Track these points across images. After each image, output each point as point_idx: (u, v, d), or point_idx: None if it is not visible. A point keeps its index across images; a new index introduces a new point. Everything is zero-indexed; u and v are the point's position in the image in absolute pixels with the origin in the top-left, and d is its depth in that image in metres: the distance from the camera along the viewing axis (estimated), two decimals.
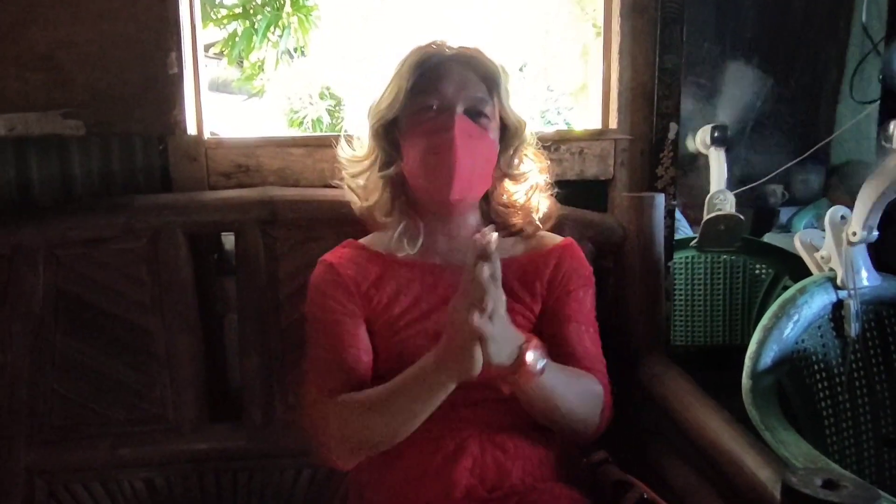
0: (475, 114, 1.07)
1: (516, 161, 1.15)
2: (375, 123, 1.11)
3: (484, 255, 0.85)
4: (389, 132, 1.12)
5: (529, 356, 0.92)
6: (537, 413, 1.02)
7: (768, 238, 2.28)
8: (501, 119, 1.11)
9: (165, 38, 1.29)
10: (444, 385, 0.93)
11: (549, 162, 1.19)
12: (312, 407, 1.07)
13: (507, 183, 1.16)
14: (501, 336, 0.88)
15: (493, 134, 1.10)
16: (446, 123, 1.04)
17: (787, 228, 2.78)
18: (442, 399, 0.94)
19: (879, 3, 2.03)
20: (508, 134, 1.13)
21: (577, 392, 1.05)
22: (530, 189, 1.16)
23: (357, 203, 1.17)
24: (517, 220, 1.15)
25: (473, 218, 1.15)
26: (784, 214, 2.84)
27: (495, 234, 0.86)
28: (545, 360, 0.94)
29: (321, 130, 4.69)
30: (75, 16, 1.27)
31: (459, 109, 1.06)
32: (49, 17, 1.27)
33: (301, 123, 4.46)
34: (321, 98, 3.98)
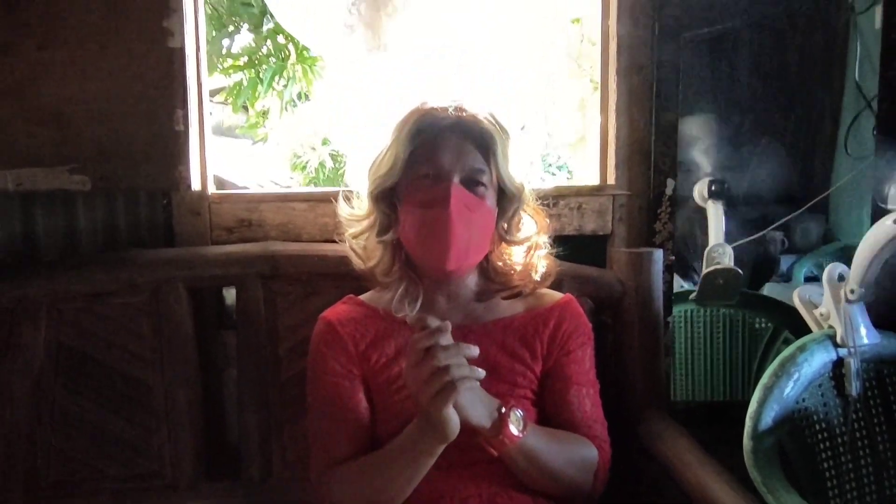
0: (472, 183, 1.08)
1: (514, 224, 1.16)
2: (374, 189, 1.12)
3: (420, 324, 0.91)
4: (388, 196, 1.13)
5: (511, 418, 0.96)
6: (524, 476, 1.03)
7: (768, 288, 2.28)
8: (499, 183, 1.11)
9: (172, 96, 1.32)
10: (429, 449, 0.96)
11: (548, 220, 1.20)
12: (318, 478, 1.09)
13: (506, 245, 1.16)
14: (472, 398, 0.93)
15: (491, 201, 1.11)
16: (443, 195, 1.05)
17: (787, 277, 2.79)
18: (431, 462, 0.98)
19: (872, 60, 2.08)
20: (506, 198, 1.13)
21: (564, 455, 1.05)
22: (529, 250, 1.17)
23: (358, 264, 1.18)
24: (516, 280, 1.16)
25: (472, 278, 1.16)
26: (784, 263, 2.85)
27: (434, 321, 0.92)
28: (525, 423, 0.98)
29: (324, 175, 4.74)
30: (84, 73, 1.31)
31: (456, 179, 1.07)
32: (59, 75, 1.31)
33: (304, 168, 4.51)
34: (324, 144, 4.04)
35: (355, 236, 1.18)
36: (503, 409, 0.97)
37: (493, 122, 1.11)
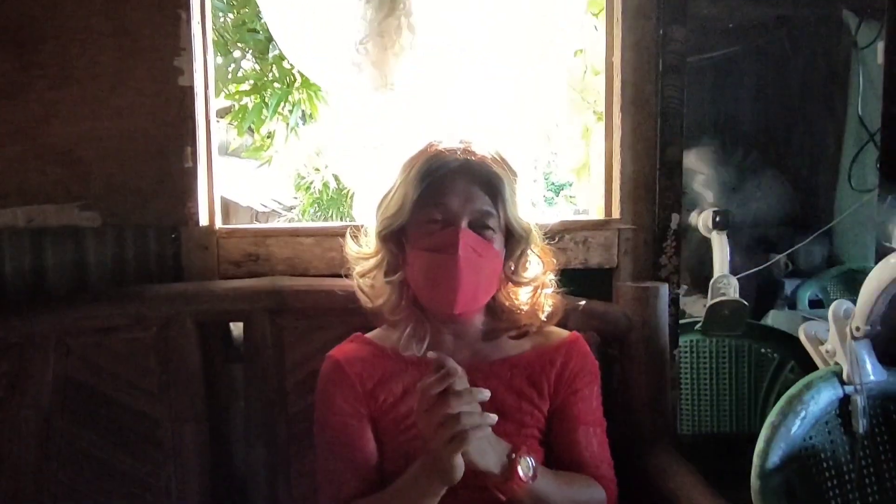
0: (480, 226, 1.08)
1: (521, 264, 1.16)
2: (382, 230, 1.12)
3: (438, 363, 0.92)
4: (396, 236, 1.13)
5: (520, 462, 0.96)
6: None
7: (773, 315, 2.29)
8: (507, 225, 1.12)
9: (182, 133, 1.34)
10: (433, 491, 0.96)
11: (554, 260, 1.20)
12: None
13: (513, 285, 1.17)
14: (481, 445, 0.93)
15: (498, 244, 1.11)
16: (451, 241, 1.06)
17: (791, 301, 2.79)
18: (434, 502, 0.98)
19: (875, 94, 2.09)
20: (514, 239, 1.13)
21: (572, 499, 1.05)
22: (536, 289, 1.17)
23: (366, 303, 1.18)
24: (523, 320, 1.16)
25: (479, 318, 1.17)
26: (788, 286, 2.86)
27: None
28: (535, 467, 0.98)
29: (328, 195, 4.76)
30: (95, 112, 1.32)
31: (464, 223, 1.07)
32: (71, 113, 1.32)
33: (308, 188, 4.53)
34: (327, 166, 4.05)
35: (362, 275, 1.18)
36: (513, 455, 0.97)
37: (502, 163, 1.11)
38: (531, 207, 1.15)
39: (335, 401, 1.10)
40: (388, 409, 1.09)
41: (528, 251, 1.16)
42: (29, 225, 1.32)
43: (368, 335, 1.18)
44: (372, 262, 1.16)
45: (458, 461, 0.91)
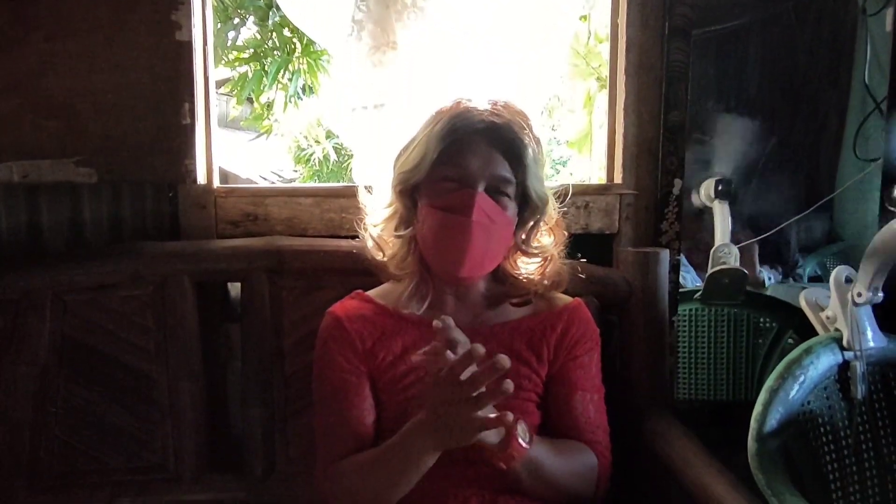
0: (496, 192, 1.06)
1: (533, 235, 1.14)
2: (398, 185, 1.10)
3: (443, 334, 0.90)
4: (410, 191, 1.11)
5: (518, 431, 0.94)
6: (527, 488, 1.02)
7: (772, 288, 2.29)
8: (524, 194, 1.09)
9: (179, 89, 1.32)
10: (432, 451, 0.95)
11: (566, 233, 1.18)
12: (322, 472, 1.08)
13: (521, 255, 1.15)
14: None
15: (512, 212, 1.09)
16: (466, 203, 1.03)
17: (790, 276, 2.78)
18: (432, 462, 0.96)
19: (881, 61, 2.07)
20: (529, 209, 1.11)
21: (568, 466, 1.05)
22: (544, 261, 1.15)
23: (374, 254, 1.17)
24: (527, 288, 1.15)
25: (483, 282, 1.15)
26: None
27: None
28: (530, 435, 0.97)
29: (328, 168, 4.74)
30: (92, 66, 1.30)
31: (481, 187, 1.05)
32: (67, 67, 1.30)
33: (308, 160, 4.51)
34: (328, 137, 4.03)
35: (375, 225, 1.16)
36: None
37: (528, 129, 1.08)
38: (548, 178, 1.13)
39: (334, 357, 1.09)
40: (387, 367, 1.09)
41: (541, 226, 1.14)
42: (24, 180, 1.31)
43: (369, 293, 1.17)
44: (384, 213, 1.14)
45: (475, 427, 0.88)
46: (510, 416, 0.90)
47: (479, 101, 1.08)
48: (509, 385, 0.86)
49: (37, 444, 1.25)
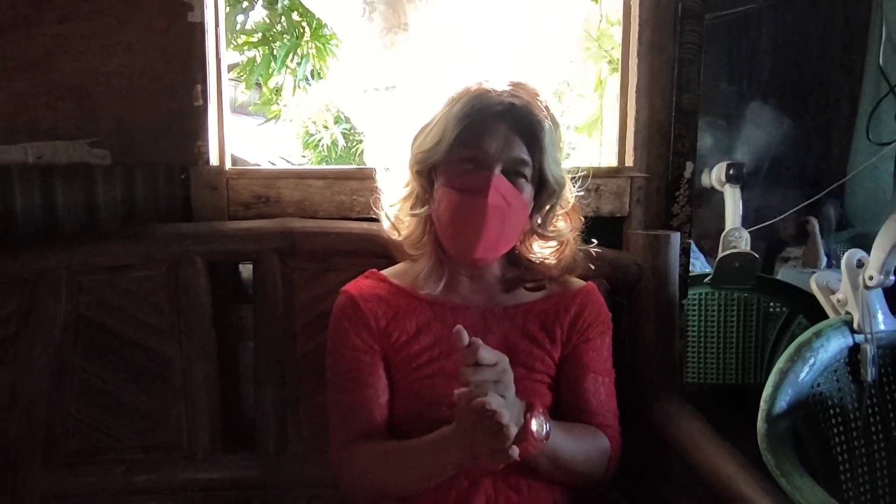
0: (513, 174, 1.06)
1: (549, 219, 1.14)
2: (416, 165, 1.10)
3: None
4: (428, 171, 1.11)
5: (534, 424, 0.95)
6: (543, 472, 1.03)
7: (782, 274, 2.28)
8: (541, 177, 1.08)
9: (192, 70, 1.32)
10: (461, 465, 0.96)
11: (583, 218, 1.18)
12: (337, 452, 1.10)
13: (537, 239, 1.15)
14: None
15: (528, 195, 1.08)
16: (483, 184, 1.03)
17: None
18: (455, 470, 0.98)
19: (895, 44, 2.05)
20: (546, 192, 1.11)
21: (582, 451, 1.06)
22: (560, 245, 1.15)
23: (392, 233, 1.17)
24: (542, 272, 1.15)
25: (498, 265, 1.15)
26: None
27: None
28: (548, 425, 0.97)
29: (336, 153, 4.73)
30: (105, 48, 1.30)
31: (498, 169, 1.04)
32: (79, 49, 1.30)
33: (317, 146, 4.50)
34: (336, 122, 4.02)
35: (392, 205, 1.16)
36: (528, 415, 0.96)
37: (546, 112, 1.07)
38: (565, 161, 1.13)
39: (348, 336, 1.10)
40: (401, 346, 1.09)
41: (557, 210, 1.14)
42: (38, 161, 1.32)
43: (384, 272, 1.18)
44: (401, 193, 1.15)
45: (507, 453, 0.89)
46: (523, 405, 0.94)
47: (498, 83, 1.07)
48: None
49: (53, 422, 1.26)
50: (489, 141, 1.04)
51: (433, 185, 1.10)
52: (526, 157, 1.06)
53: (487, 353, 0.90)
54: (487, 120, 1.05)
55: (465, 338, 0.90)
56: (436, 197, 1.10)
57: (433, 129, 1.07)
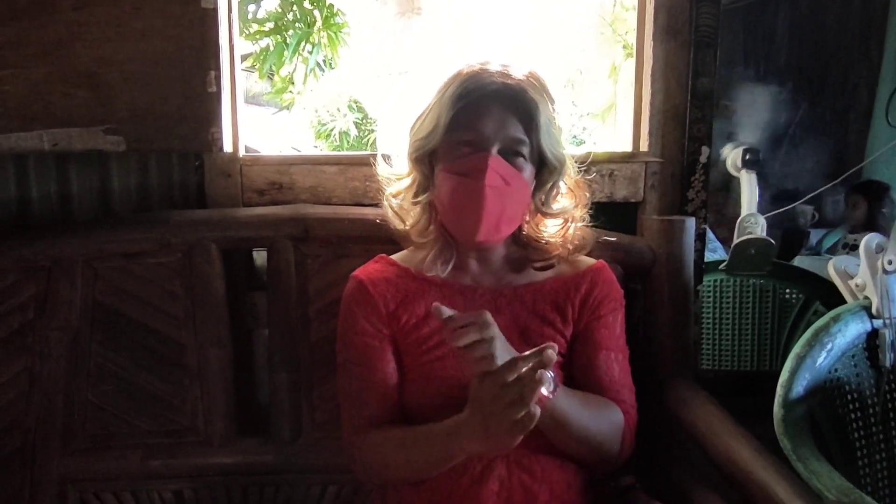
0: (511, 153, 1.05)
1: (552, 196, 1.13)
2: (414, 152, 1.10)
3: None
4: (427, 158, 1.11)
5: (542, 380, 0.93)
6: (552, 438, 1.02)
7: (798, 261, 2.26)
8: (540, 155, 1.08)
9: (205, 57, 1.32)
10: (474, 452, 0.97)
11: (588, 194, 1.17)
12: (348, 437, 1.10)
13: (542, 218, 1.15)
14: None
15: (528, 174, 1.08)
16: (480, 166, 1.03)
17: (816, 250, 2.75)
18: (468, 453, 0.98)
19: None
20: (546, 169, 1.10)
21: (593, 418, 1.05)
22: (566, 222, 1.15)
23: (397, 223, 1.17)
24: (550, 251, 1.14)
25: (505, 246, 1.15)
26: (814, 236, 2.82)
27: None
28: (555, 385, 0.96)
29: (348, 142, 4.75)
30: (119, 34, 1.31)
31: (495, 150, 1.04)
32: (94, 36, 1.31)
33: (329, 135, 4.51)
34: (350, 110, 4.03)
35: (395, 195, 1.17)
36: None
37: (540, 89, 1.07)
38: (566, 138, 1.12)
39: (358, 320, 1.10)
40: (411, 330, 1.09)
41: (560, 183, 1.13)
42: (54, 148, 1.33)
43: (393, 256, 1.18)
44: (403, 182, 1.15)
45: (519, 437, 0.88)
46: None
47: (491, 64, 1.07)
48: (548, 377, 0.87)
49: (70, 407, 1.28)
50: (484, 122, 1.04)
51: (433, 171, 1.10)
52: (522, 136, 1.05)
53: (465, 316, 0.90)
54: (481, 101, 1.04)
55: (445, 312, 0.90)
56: (437, 182, 1.10)
57: (429, 116, 1.08)
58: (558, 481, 1.05)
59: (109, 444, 1.29)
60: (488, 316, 0.91)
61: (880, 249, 1.30)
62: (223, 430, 1.30)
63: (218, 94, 1.34)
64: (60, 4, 1.29)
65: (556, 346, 0.88)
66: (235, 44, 1.39)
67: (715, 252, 2.16)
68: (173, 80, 1.32)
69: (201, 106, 1.33)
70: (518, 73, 1.07)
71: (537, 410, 0.85)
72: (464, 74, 1.06)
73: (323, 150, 4.74)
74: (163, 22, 1.31)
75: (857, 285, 1.34)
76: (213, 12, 1.31)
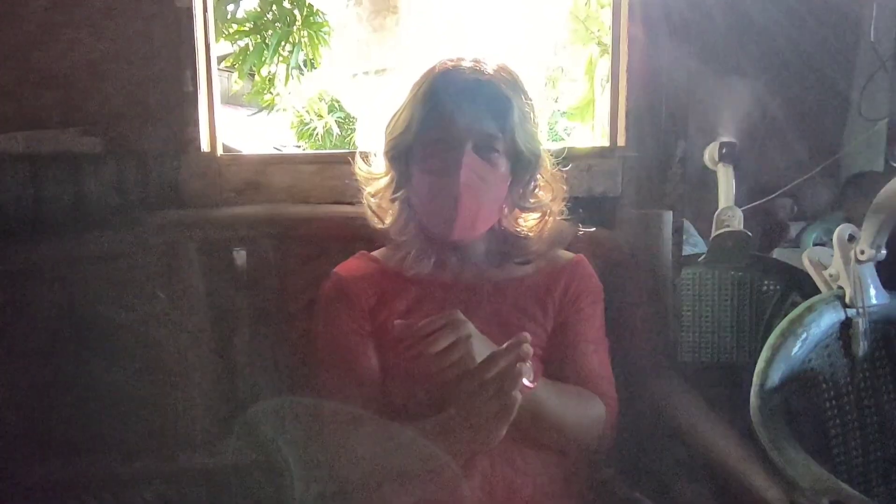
0: (485, 149, 1.06)
1: (529, 191, 1.14)
2: (389, 151, 1.11)
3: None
4: (403, 156, 1.11)
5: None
6: (531, 429, 1.03)
7: (777, 254, 2.28)
8: (514, 149, 1.08)
9: (180, 56, 1.32)
10: (455, 451, 0.96)
11: (565, 187, 1.17)
12: None
13: (519, 211, 1.15)
14: (482, 353, 0.92)
15: (503, 168, 1.08)
16: (454, 164, 1.03)
17: (796, 243, 2.77)
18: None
19: (887, 20, 2.04)
20: (521, 164, 1.10)
21: (572, 409, 1.06)
22: (543, 216, 1.15)
23: (375, 222, 1.17)
24: (530, 247, 1.15)
25: (484, 242, 1.15)
26: (793, 229, 2.84)
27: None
28: (533, 374, 0.96)
29: (331, 142, 4.73)
30: (93, 35, 1.30)
31: (468, 146, 1.04)
32: (67, 37, 1.30)
33: (311, 135, 4.50)
34: (331, 111, 4.02)
35: (373, 195, 1.17)
36: None
37: (513, 84, 1.07)
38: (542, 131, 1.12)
39: (338, 317, 1.10)
40: (391, 326, 1.09)
41: (536, 180, 1.14)
42: (28, 150, 1.32)
43: (374, 253, 1.18)
44: (381, 181, 1.15)
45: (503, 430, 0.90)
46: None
47: (464, 61, 1.08)
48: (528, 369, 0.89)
49: (48, 411, 1.27)
50: (457, 119, 1.04)
51: (409, 169, 1.11)
52: (496, 131, 1.06)
53: (433, 320, 0.92)
54: (453, 98, 1.04)
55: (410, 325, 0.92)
56: (413, 180, 1.10)
57: (403, 114, 1.08)
58: (541, 474, 1.05)
59: (90, 447, 1.28)
60: (459, 314, 0.92)
61: (852, 239, 1.32)
62: (205, 430, 1.29)
63: (194, 93, 1.33)
64: (32, 5, 1.28)
65: (529, 336, 0.89)
66: (211, 43, 1.38)
67: (696, 246, 2.17)
68: (149, 80, 1.32)
69: (178, 106, 1.33)
70: (490, 68, 1.07)
71: (518, 395, 0.86)
72: (436, 72, 1.07)
73: (305, 149, 4.74)
74: (137, 21, 1.30)
75: (830, 275, 1.35)
76: (188, 11, 1.31)
